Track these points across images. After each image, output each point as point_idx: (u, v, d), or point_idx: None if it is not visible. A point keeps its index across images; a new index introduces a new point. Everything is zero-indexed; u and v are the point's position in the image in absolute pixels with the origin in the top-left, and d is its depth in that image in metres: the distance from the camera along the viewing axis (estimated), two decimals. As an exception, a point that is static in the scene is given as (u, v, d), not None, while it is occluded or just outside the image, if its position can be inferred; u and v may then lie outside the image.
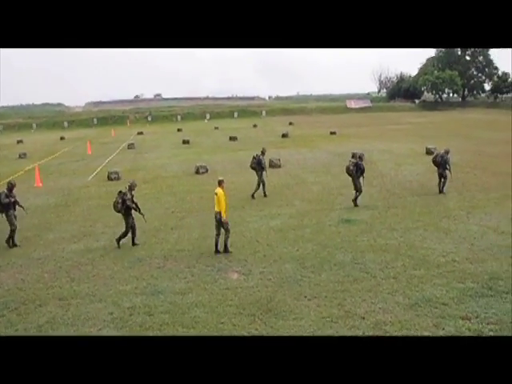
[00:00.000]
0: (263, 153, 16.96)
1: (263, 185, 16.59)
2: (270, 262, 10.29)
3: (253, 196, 16.48)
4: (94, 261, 11.01)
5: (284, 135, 38.37)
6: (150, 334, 7.46)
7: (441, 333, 6.98)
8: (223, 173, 22.17)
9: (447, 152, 15.80)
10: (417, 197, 15.76)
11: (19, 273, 10.53)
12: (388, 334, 6.97)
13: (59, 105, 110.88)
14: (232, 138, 37.63)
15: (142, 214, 11.79)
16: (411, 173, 19.92)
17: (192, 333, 7.41)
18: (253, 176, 20.81)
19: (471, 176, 18.92)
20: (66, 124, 68.26)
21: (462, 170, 19.74)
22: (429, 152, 25.28)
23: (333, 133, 39.00)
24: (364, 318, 7.59)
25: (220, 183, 10.73)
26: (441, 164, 15.63)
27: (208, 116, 72.10)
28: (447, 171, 15.72)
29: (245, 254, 10.87)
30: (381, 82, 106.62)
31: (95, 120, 70.81)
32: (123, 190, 11.68)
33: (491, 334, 6.88)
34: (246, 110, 77.32)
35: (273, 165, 22.96)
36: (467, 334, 6.90)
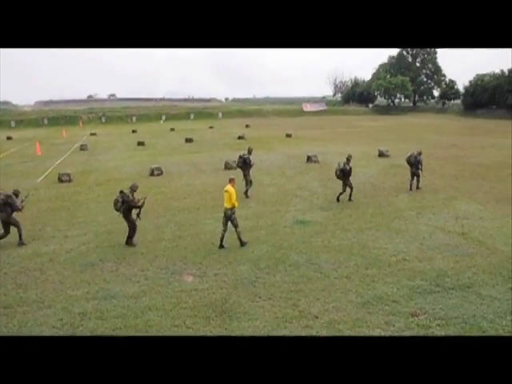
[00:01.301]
0: (250, 152, 17.35)
1: (250, 183, 16.86)
2: (225, 263, 10.27)
3: (246, 194, 16.65)
4: (42, 266, 10.60)
5: (240, 137, 38.44)
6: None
7: (391, 329, 7.21)
8: (179, 175, 22.02)
9: (420, 153, 17.19)
10: (369, 198, 16.19)
11: (-40, 280, 9.98)
12: (342, 334, 7.11)
13: (5, 103, 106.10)
14: (188, 140, 37.28)
15: (139, 217, 11.71)
16: (364, 175, 20.43)
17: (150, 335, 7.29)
18: (208, 178, 20.81)
19: (421, 178, 19.63)
20: (13, 123, 65.18)
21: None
22: (381, 154, 26.14)
23: (288, 135, 39.46)
24: (317, 317, 7.72)
25: (230, 181, 11.35)
26: (414, 164, 17.03)
27: (164, 117, 71.18)
28: (419, 170, 17.12)
29: (200, 256, 10.80)
30: (336, 86, 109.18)
31: (45, 120, 68.26)
32: (125, 191, 11.55)
33: (438, 328, 7.18)
34: (203, 111, 76.91)
35: (228, 167, 22.97)
36: (416, 329, 7.17)
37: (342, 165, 15.46)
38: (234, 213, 11.06)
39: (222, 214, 11.23)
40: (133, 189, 11.75)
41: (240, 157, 16.97)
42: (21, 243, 12.11)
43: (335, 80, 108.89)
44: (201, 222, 13.66)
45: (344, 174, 15.46)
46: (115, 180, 21.13)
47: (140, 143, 35.97)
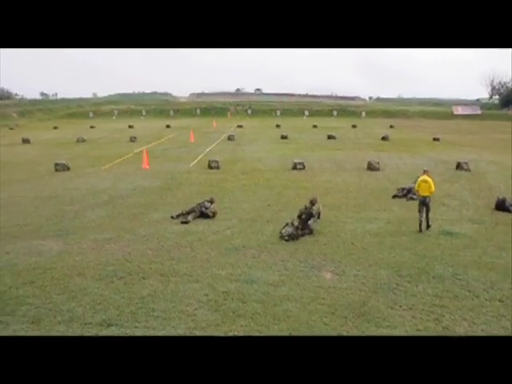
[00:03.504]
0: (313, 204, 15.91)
1: None
2: (365, 265, 10.09)
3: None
4: (192, 244, 11.57)
5: (384, 138, 37.16)
6: (242, 321, 7.71)
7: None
8: (320, 171, 22.16)
9: None
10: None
11: (127, 246, 11.41)
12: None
13: (166, 94, 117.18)
14: (330, 137, 37.24)
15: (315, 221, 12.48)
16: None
17: (283, 325, 7.54)
18: (350, 177, 20.58)
19: None
20: (171, 112, 72.12)
21: None
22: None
23: (436, 139, 37.03)
24: (464, 337, 7.19)
25: (425, 172, 13.00)
26: None
27: (307, 113, 71.95)
28: None
29: (339, 254, 10.77)
30: (493, 88, 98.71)
31: (198, 110, 73.85)
32: (307, 205, 12.61)
33: None
34: (346, 109, 75.95)
35: (371, 168, 22.43)
36: None
37: None
38: (430, 200, 12.69)
39: (418, 202, 12.94)
40: (313, 202, 12.62)
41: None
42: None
43: (492, 81, 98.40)
44: (341, 220, 13.60)
45: None
46: (259, 171, 22.08)
47: (283, 137, 36.97)
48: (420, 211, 12.74)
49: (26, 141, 36.54)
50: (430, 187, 12.62)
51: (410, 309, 8.16)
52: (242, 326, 7.57)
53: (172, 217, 13.78)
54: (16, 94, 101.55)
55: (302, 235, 11.93)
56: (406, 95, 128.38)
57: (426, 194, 12.65)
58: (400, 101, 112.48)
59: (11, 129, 51.52)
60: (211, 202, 14.09)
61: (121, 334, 7.29)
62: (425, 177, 12.76)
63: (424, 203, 12.70)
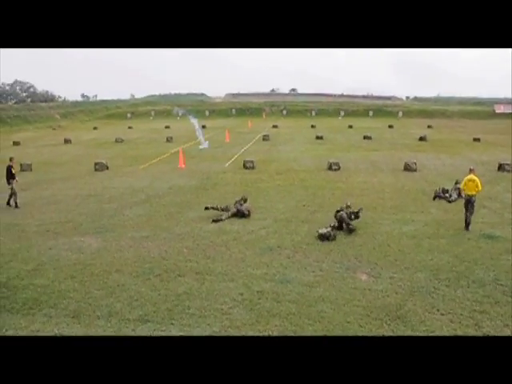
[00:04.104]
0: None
1: None
2: (401, 268, 9.92)
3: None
4: (227, 243, 11.68)
5: (421, 138, 36.34)
6: (276, 321, 7.73)
7: None
8: (356, 171, 21.92)
9: None
10: None
11: (163, 244, 11.63)
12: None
13: (202, 95, 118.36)
14: (366, 138, 36.76)
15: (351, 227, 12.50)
16: None
17: (317, 326, 7.52)
18: (386, 178, 20.25)
19: None
20: (207, 113, 72.81)
21: None
22: None
23: (476, 139, 35.90)
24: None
25: (471, 171, 13.21)
26: None
27: (342, 113, 71.25)
28: None
29: (375, 256, 10.63)
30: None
31: (233, 110, 74.34)
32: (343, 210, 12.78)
33: None
34: (382, 109, 74.68)
35: (408, 168, 22.00)
36: None
37: None
38: (475, 199, 12.79)
39: (464, 201, 13.09)
40: (348, 206, 12.96)
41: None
42: None
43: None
44: (377, 221, 13.41)
45: None
46: (294, 171, 22.05)
47: (318, 137, 36.76)
48: (466, 209, 12.90)
49: (67, 141, 37.92)
50: (476, 186, 12.79)
51: (449, 313, 7.97)
52: (276, 325, 7.59)
53: (206, 207, 14.13)
54: (59, 97, 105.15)
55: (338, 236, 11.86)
56: (445, 94, 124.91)
57: (472, 192, 12.79)
58: (438, 100, 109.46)
59: (54, 129, 53.44)
60: (244, 200, 14.20)
61: (157, 332, 7.45)
62: (471, 176, 12.97)
63: (469, 202, 12.80)
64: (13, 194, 16.09)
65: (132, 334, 7.38)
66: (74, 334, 7.38)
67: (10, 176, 16.15)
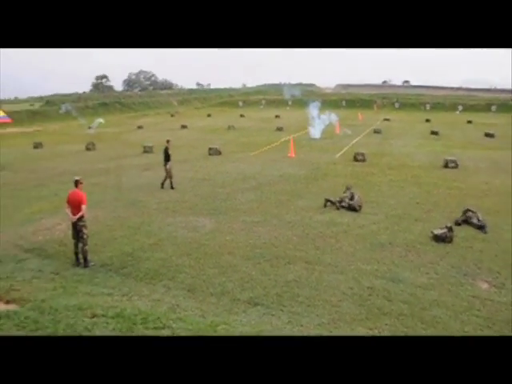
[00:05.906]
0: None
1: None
2: (530, 280, 9.05)
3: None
4: (337, 235, 11.57)
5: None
6: (387, 320, 7.51)
7: None
8: (475, 171, 20.37)
9: None
10: None
11: (273, 231, 11.87)
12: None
13: (311, 85, 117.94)
14: (488, 135, 33.69)
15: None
16: None
17: (431, 331, 7.16)
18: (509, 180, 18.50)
19: None
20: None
21: None
22: None
23: None
24: None
25: None
26: None
27: (460, 108, 66.25)
28: None
29: (497, 264, 9.80)
30: None
31: (343, 102, 72.88)
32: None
33: None
34: (507, 103, 67.92)
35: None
36: None
37: None
38: None
39: None
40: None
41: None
42: None
43: None
44: (500, 226, 12.28)
45: None
46: (408, 166, 21.08)
47: (433, 132, 34.65)
48: None
49: (184, 126, 40.26)
50: None
51: None
52: (386, 324, 7.38)
53: (328, 200, 14.11)
54: (176, 85, 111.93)
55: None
56: None
57: None
58: None
59: (172, 116, 56.88)
60: (350, 193, 14.01)
61: (267, 316, 7.61)
62: None
63: None
64: (168, 176, 16.67)
65: (243, 315, 7.63)
66: (186, 308, 7.82)
67: (167, 157, 16.65)
